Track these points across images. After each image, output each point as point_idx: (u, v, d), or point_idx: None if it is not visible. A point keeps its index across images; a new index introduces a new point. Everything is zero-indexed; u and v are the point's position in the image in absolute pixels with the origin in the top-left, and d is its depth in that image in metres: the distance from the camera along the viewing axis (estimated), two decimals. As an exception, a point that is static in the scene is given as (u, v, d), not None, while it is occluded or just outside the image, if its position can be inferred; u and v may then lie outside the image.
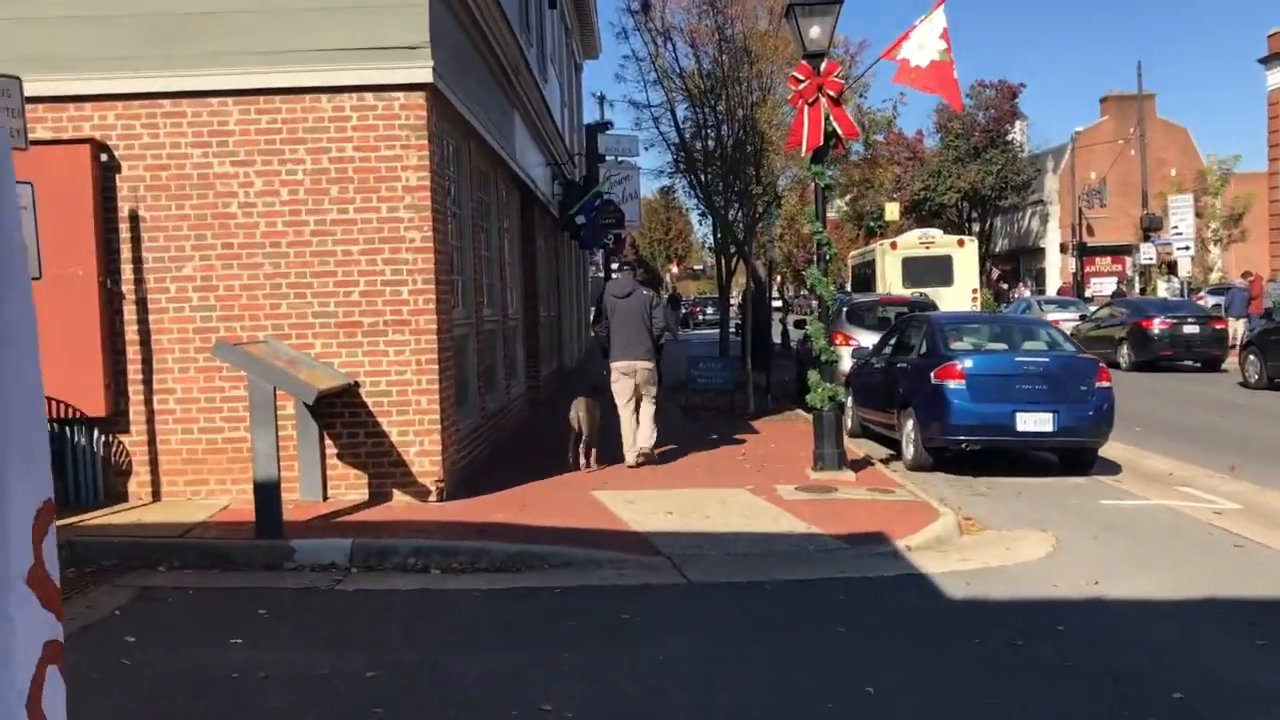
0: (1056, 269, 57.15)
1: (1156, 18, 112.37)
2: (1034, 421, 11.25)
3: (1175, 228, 34.80)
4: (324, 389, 8.30)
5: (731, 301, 26.25)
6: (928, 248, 30.28)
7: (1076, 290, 47.92)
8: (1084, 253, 51.70)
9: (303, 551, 7.70)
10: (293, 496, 8.91)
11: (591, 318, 12.30)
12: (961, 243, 31.00)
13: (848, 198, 49.07)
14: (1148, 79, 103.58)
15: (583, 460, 11.14)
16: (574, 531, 8.33)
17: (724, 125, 18.61)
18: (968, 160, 53.49)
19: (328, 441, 8.94)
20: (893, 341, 13.67)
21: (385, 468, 8.96)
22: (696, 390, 17.50)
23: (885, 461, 12.46)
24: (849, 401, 13.84)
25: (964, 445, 11.45)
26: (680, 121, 21.64)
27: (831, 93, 10.34)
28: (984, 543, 8.71)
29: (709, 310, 56.62)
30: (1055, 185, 56.39)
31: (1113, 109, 56.20)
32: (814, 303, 23.93)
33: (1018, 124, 55.94)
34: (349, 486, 8.99)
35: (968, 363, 11.41)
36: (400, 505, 8.86)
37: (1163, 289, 36.68)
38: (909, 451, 12.05)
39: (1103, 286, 50.53)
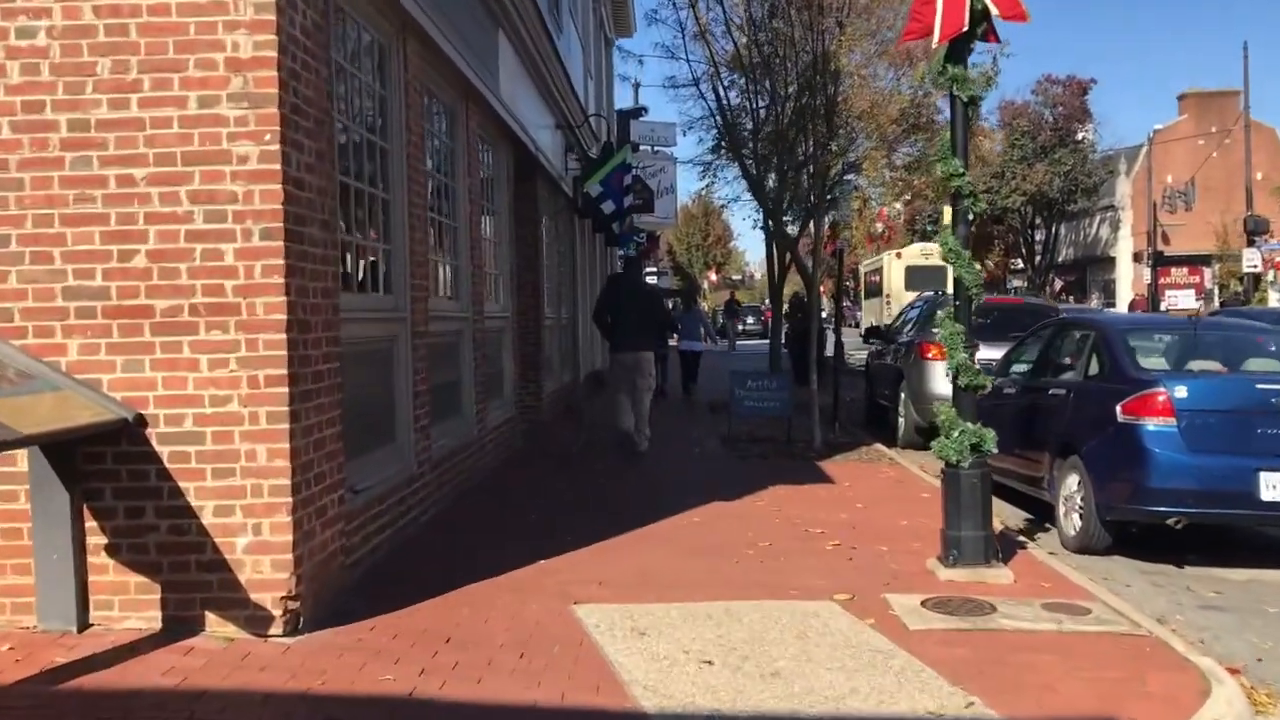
0: (1128, 280, 52.51)
1: (1235, 13, 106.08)
2: (1287, 486, 7.08)
3: (1299, 228, 30.10)
4: (46, 432, 4.32)
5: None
6: (927, 258, 36.96)
7: (1151, 304, 43.48)
8: (1158, 263, 47.12)
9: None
10: (27, 621, 4.94)
11: (595, 307, 12.16)
12: None
13: (903, 200, 44.67)
14: (1228, 76, 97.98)
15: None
16: (523, 715, 4.28)
17: (780, 80, 14.49)
18: (1034, 161, 49.05)
19: (90, 524, 4.95)
20: (1031, 356, 9.53)
21: (192, 572, 4.95)
22: (743, 416, 13.38)
23: (1027, 533, 8.33)
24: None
25: (1174, 522, 7.28)
26: (724, 85, 17.61)
27: (982, -53, 6.25)
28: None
29: (749, 320, 52.24)
30: (1128, 189, 51.78)
31: (1192, 107, 51.58)
32: (877, 309, 19.64)
33: (1088, 123, 51.52)
34: (127, 605, 4.98)
35: (1180, 390, 7.23)
36: (208, 647, 4.83)
37: (1275, 299, 32.12)
38: (1072, 524, 7.89)
39: (1178, 299, 46.22)
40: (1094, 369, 8.16)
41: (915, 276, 37.77)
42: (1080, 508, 7.78)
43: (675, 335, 20.50)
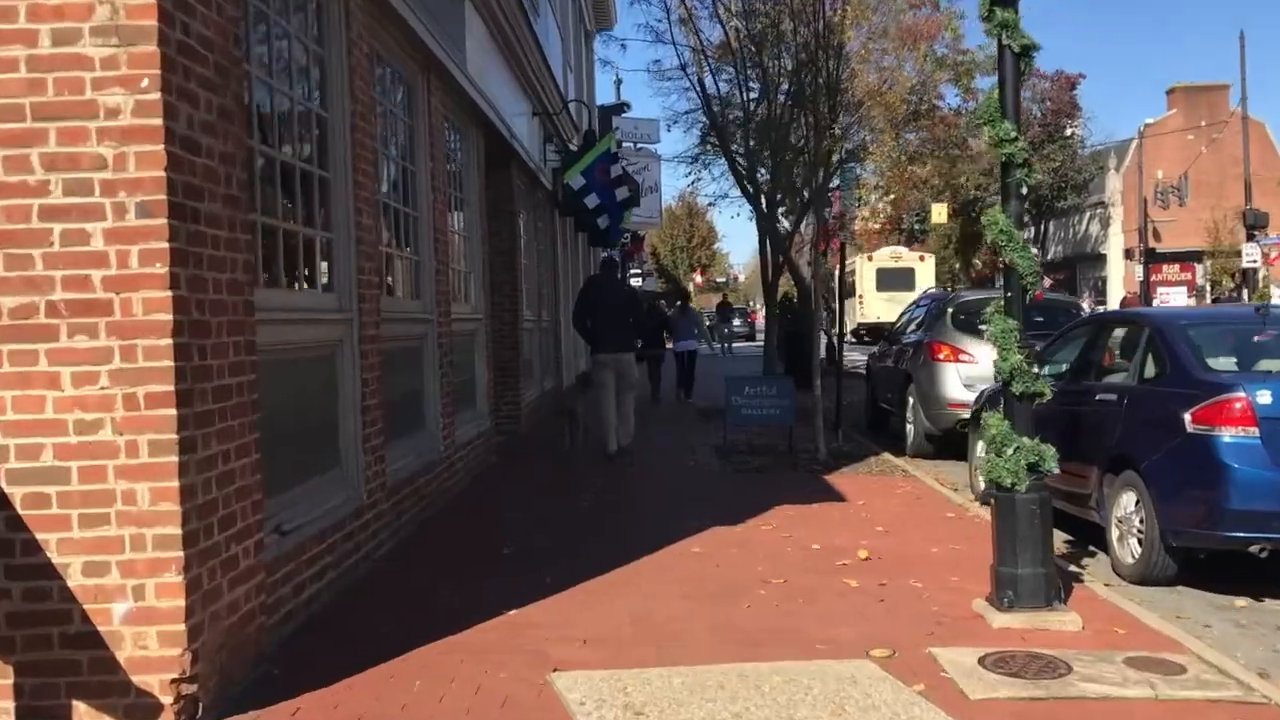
0: (1119, 277, 51.73)
1: (1219, 6, 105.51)
2: (1389, 507, 6.02)
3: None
4: None
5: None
6: (896, 261, 42.59)
7: (1143, 301, 42.74)
8: (1150, 260, 46.38)
9: None
10: None
11: (574, 311, 11.72)
12: (922, 258, 43.17)
13: (890, 197, 43.66)
14: (1213, 70, 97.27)
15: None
16: None
17: (774, 60, 13.44)
18: (1023, 156, 48.23)
19: (-79, 588, 3.82)
20: (1067, 357, 8.45)
21: (54, 650, 3.83)
22: (740, 424, 12.29)
23: (1074, 559, 7.28)
24: (978, 450, 8.66)
25: (1259, 550, 6.22)
26: (712, 72, 16.57)
27: None
28: None
29: (735, 322, 51.03)
30: (1118, 185, 51.04)
31: (1180, 101, 50.89)
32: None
33: (1077, 118, 50.83)
34: (-29, 694, 3.86)
35: (1263, 395, 6.16)
36: (73, 750, 3.72)
37: (1277, 295, 31.19)
38: (1129, 550, 6.82)
39: (1170, 297, 45.57)
40: (1150, 371, 7.09)
41: (886, 278, 41.27)
42: (1139, 532, 6.71)
43: (669, 337, 19.60)
